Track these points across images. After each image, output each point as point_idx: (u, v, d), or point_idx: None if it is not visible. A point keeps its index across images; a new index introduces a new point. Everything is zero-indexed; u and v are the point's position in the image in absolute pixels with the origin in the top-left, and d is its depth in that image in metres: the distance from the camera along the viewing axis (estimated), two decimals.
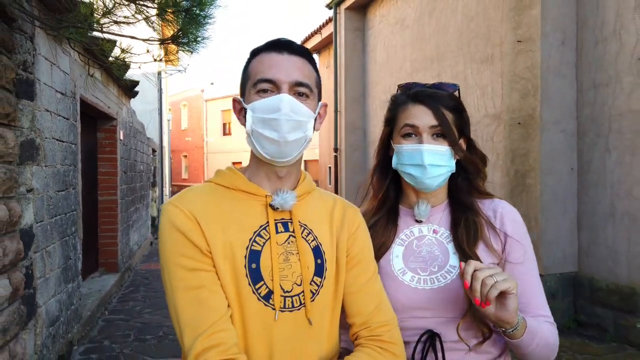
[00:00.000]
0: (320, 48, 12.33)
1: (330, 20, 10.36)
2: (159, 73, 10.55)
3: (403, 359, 1.11)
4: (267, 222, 1.05)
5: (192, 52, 2.92)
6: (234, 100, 1.12)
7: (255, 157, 1.10)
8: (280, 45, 1.06)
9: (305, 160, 19.87)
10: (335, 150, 10.02)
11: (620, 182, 4.40)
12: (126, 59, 3.51)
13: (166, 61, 3.69)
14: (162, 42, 2.92)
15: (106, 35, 3.43)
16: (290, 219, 1.08)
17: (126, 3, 2.43)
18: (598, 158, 4.61)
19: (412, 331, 1.23)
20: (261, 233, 1.04)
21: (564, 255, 4.81)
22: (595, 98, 4.62)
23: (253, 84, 1.04)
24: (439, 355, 1.21)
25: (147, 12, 2.51)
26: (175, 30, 2.68)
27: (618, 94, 4.40)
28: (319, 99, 1.12)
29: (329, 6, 9.89)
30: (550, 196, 4.76)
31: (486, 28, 5.98)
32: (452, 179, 1.35)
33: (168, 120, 16.22)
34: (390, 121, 1.36)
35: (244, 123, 1.08)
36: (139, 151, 8.95)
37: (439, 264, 1.27)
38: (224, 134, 29.43)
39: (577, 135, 4.82)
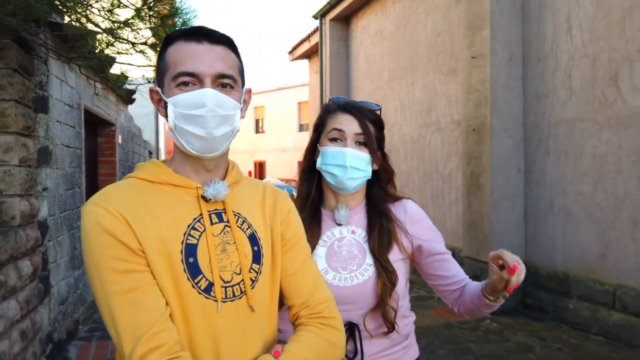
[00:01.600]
0: (310, 54, 12.96)
1: (317, 29, 10.98)
2: (148, 80, 11.12)
3: (342, 332, 1.14)
4: (201, 214, 1.03)
5: None
6: (152, 91, 1.08)
7: (180, 151, 1.06)
8: (199, 34, 1.01)
9: (299, 162, 20.47)
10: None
11: (557, 181, 5.04)
12: (126, 81, 4.11)
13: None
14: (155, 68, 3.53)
15: (108, 57, 4.04)
16: (224, 209, 1.07)
17: (125, 42, 3.05)
18: (540, 160, 5.25)
19: None
20: (195, 226, 1.02)
21: (512, 246, 5.44)
22: (538, 108, 5.26)
23: (173, 76, 0.99)
24: (357, 342, 1.40)
25: (142, 47, 3.11)
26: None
27: (555, 105, 5.04)
28: (243, 85, 1.09)
29: (315, 17, 10.52)
30: (499, 194, 5.39)
31: (451, 43, 6.61)
32: (369, 188, 1.52)
33: (164, 123, 16.80)
34: (319, 127, 1.50)
35: (164, 115, 1.04)
36: (136, 153, 9.55)
37: (358, 263, 1.43)
38: None
39: (523, 140, 5.45)
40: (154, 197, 1.01)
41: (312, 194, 1.50)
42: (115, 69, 5.47)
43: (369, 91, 9.18)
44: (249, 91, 1.11)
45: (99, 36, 3.29)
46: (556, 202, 5.06)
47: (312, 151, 1.51)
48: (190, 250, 0.99)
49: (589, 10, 4.65)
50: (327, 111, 1.49)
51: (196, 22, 3.36)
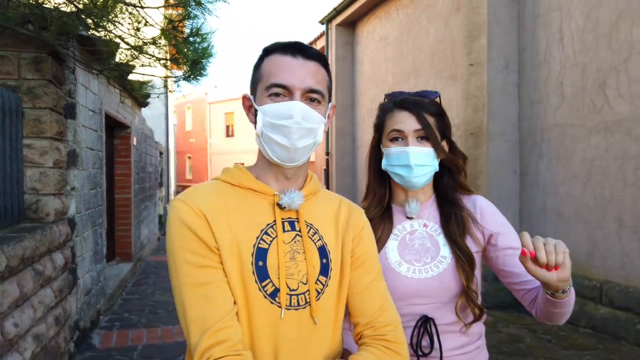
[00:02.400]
0: None
1: (323, 34, 11.30)
2: (165, 86, 11.50)
3: (407, 358, 1.12)
4: (274, 220, 1.06)
5: (196, 84, 3.89)
6: (244, 97, 1.13)
7: (263, 157, 1.10)
8: (294, 49, 1.05)
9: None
10: (327, 154, 10.96)
11: (550, 183, 5.32)
12: (144, 88, 4.46)
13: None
14: (176, 80, 3.89)
15: (130, 67, 4.38)
16: (297, 219, 1.09)
17: (150, 57, 3.39)
18: (534, 163, 5.54)
19: (410, 317, 1.33)
20: (268, 231, 1.04)
21: None
22: (532, 113, 5.55)
23: (266, 86, 1.04)
24: (434, 337, 1.34)
25: (163, 62, 3.45)
26: (185, 70, 3.66)
27: (547, 110, 5.33)
28: (329, 101, 1.13)
29: (321, 22, 10.83)
30: (496, 195, 5.68)
31: (451, 50, 6.91)
32: (438, 178, 1.48)
33: (174, 124, 17.22)
34: (379, 127, 1.48)
35: (253, 121, 1.09)
36: (148, 154, 9.92)
37: (432, 255, 1.40)
38: (227, 135, 30.37)
39: (518, 144, 5.75)
40: (234, 200, 1.06)
41: (387, 194, 1.49)
42: (132, 74, 5.82)
43: (373, 95, 9.49)
44: (334, 107, 1.15)
45: (126, 51, 3.65)
46: (549, 203, 5.35)
47: (376, 152, 1.50)
48: (260, 254, 1.02)
49: (579, 22, 4.94)
50: (384, 110, 1.47)
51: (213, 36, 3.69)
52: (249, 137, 29.39)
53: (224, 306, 0.96)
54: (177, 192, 21.06)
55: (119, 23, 3.06)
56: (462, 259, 1.36)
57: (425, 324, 1.35)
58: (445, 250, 1.40)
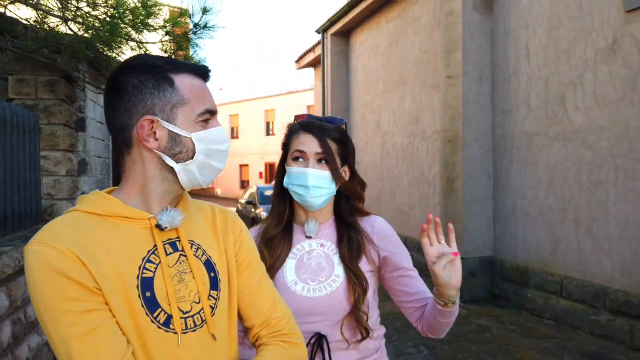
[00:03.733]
0: (315, 63, 13.75)
1: (319, 42, 11.78)
2: None
3: (304, 346, 1.15)
4: (155, 245, 1.00)
5: None
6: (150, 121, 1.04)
7: (131, 180, 1.02)
8: (203, 71, 1.06)
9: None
10: None
11: (519, 186, 5.78)
12: None
13: None
14: None
15: None
16: (178, 238, 1.04)
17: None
18: (506, 168, 6.00)
19: (305, 334, 1.32)
20: (150, 258, 0.99)
21: (482, 243, 6.19)
22: (504, 122, 6.00)
23: (199, 113, 1.03)
24: (326, 354, 1.39)
25: None
26: None
27: (517, 120, 5.78)
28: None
29: (317, 31, 11.31)
30: (471, 197, 6.14)
31: (434, 61, 7.37)
32: (337, 201, 1.55)
33: None
34: (285, 146, 1.53)
35: (156, 147, 1.01)
36: None
37: (326, 274, 1.45)
38: (232, 137, 30.91)
39: (492, 150, 6.20)
40: (104, 231, 0.96)
41: (286, 211, 1.54)
42: None
43: (366, 101, 9.96)
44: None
45: None
46: (518, 205, 5.80)
47: (281, 170, 1.55)
48: (146, 284, 0.96)
49: (543, 39, 5.39)
50: (291, 131, 1.53)
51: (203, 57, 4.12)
52: (253, 138, 29.94)
53: (116, 349, 0.89)
54: None
55: (122, 53, 3.55)
56: (354, 280, 1.42)
57: (318, 341, 1.40)
58: (339, 270, 1.45)
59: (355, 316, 1.41)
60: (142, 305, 0.95)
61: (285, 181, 1.49)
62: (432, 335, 1.46)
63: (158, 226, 1.01)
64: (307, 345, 1.38)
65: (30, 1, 3.53)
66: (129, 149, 1.01)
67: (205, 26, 3.24)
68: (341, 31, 10.72)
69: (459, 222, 6.18)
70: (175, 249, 1.03)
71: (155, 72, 1.00)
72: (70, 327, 0.87)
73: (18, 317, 3.00)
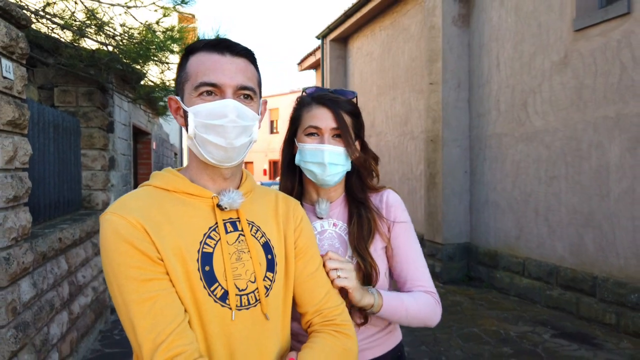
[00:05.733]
0: (316, 66, 14.55)
1: (319, 47, 12.56)
2: None
3: (355, 338, 1.16)
4: (216, 223, 1.04)
5: None
6: (171, 99, 1.09)
7: (196, 159, 1.07)
8: (221, 46, 1.03)
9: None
10: None
11: (491, 181, 6.56)
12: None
13: None
14: None
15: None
16: (238, 218, 1.08)
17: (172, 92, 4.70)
18: (480, 165, 6.78)
19: None
20: (211, 235, 1.03)
21: (460, 231, 6.98)
22: (479, 124, 6.78)
23: (194, 86, 1.01)
24: None
25: None
26: None
27: (489, 122, 6.56)
28: (260, 97, 1.11)
29: (318, 37, 12.10)
30: (450, 191, 6.93)
31: (421, 68, 8.15)
32: (348, 177, 1.47)
33: None
34: (295, 120, 1.44)
35: (182, 124, 1.05)
36: (165, 156, 11.29)
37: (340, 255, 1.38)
38: None
39: (469, 149, 6.98)
40: (171, 206, 1.02)
41: (295, 188, 1.49)
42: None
43: (362, 102, 10.73)
44: (265, 103, 1.14)
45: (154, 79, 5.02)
46: (490, 197, 6.59)
47: (289, 145, 1.48)
48: (206, 259, 1.00)
49: (510, 52, 6.17)
50: (302, 104, 1.45)
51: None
52: (258, 136, 30.63)
53: (174, 318, 0.94)
54: None
55: (148, 67, 4.37)
56: (362, 265, 1.38)
57: None
58: (351, 251, 1.41)
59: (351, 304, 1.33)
60: (201, 279, 0.99)
61: (298, 158, 1.42)
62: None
63: (219, 206, 1.05)
64: None
65: (74, 27, 4.33)
66: None
67: None
68: (340, 37, 11.51)
69: (439, 213, 6.97)
70: (235, 229, 1.07)
71: (183, 55, 1.09)
72: (132, 293, 0.93)
73: (72, 280, 3.83)
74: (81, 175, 4.78)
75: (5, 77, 2.57)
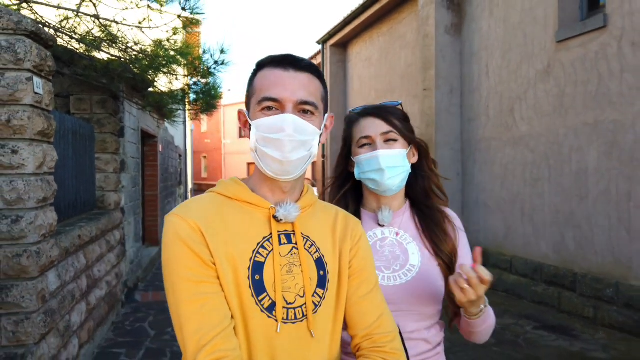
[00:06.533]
0: None
1: (320, 52, 12.92)
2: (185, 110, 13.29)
3: None
4: (271, 233, 1.06)
5: (209, 115, 5.60)
6: (240, 112, 1.13)
7: (259, 171, 1.09)
8: (285, 62, 1.05)
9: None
10: (323, 156, 12.60)
11: (481, 182, 6.90)
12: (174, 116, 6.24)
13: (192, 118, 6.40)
14: (195, 115, 5.62)
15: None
16: (293, 231, 1.08)
17: (178, 103, 5.11)
18: (471, 167, 7.12)
19: None
20: (264, 244, 1.04)
21: None
22: (470, 128, 7.12)
23: (258, 101, 1.05)
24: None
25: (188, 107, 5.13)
26: (202, 106, 5.39)
27: (479, 127, 6.90)
28: (325, 112, 1.12)
29: (318, 42, 12.46)
30: None
31: (417, 74, 8.49)
32: (410, 184, 1.48)
33: (191, 130, 19.02)
34: (347, 139, 1.49)
35: (248, 136, 1.08)
36: (170, 158, 11.67)
37: (401, 264, 1.40)
38: (240, 136, 32.06)
39: (460, 152, 7.32)
40: (230, 213, 1.06)
41: (346, 199, 1.51)
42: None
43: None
44: (332, 117, 1.14)
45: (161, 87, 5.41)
46: (480, 198, 6.92)
47: (343, 163, 1.52)
48: (257, 268, 1.02)
49: (498, 61, 6.50)
50: (350, 122, 1.49)
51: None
52: None
53: (221, 321, 0.96)
54: (194, 190, 22.73)
55: (157, 77, 4.74)
56: (443, 260, 1.40)
57: None
58: (414, 259, 1.41)
59: (449, 298, 1.38)
60: (250, 287, 1.00)
61: (357, 173, 1.45)
62: (472, 341, 1.42)
63: (275, 217, 1.07)
64: None
65: (89, 40, 4.69)
66: None
67: (222, 62, 4.41)
68: (339, 43, 11.86)
69: None
70: (289, 241, 1.07)
71: (253, 70, 1.12)
72: (183, 292, 0.96)
73: (89, 274, 4.19)
74: (95, 178, 5.13)
75: (36, 93, 2.93)
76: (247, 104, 1.11)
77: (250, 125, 1.07)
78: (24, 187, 2.82)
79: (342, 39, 11.63)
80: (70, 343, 3.53)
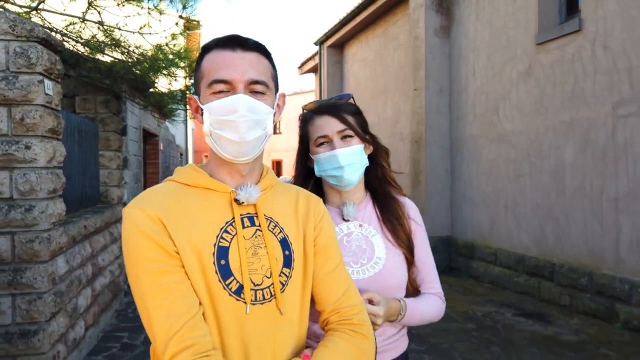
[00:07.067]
0: (315, 70, 15.20)
1: (317, 53, 13.22)
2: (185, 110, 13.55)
3: (372, 339, 1.16)
4: (233, 217, 1.05)
5: None
6: (190, 99, 1.11)
7: (215, 155, 1.09)
8: (232, 42, 1.04)
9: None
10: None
11: (468, 178, 7.19)
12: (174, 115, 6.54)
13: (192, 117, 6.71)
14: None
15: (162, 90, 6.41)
16: (256, 213, 1.09)
17: (178, 102, 5.41)
18: (459, 164, 7.41)
19: None
20: (228, 229, 1.04)
21: (442, 225, 7.61)
22: (458, 126, 7.41)
23: (207, 84, 1.03)
24: None
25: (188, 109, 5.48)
26: None
27: (466, 125, 7.19)
28: (277, 91, 1.11)
29: (316, 43, 12.75)
30: (432, 188, 7.56)
31: (409, 75, 8.78)
32: (368, 175, 1.54)
33: (192, 129, 19.36)
34: (304, 137, 1.52)
35: (202, 121, 1.07)
36: (171, 156, 11.98)
37: (368, 257, 1.46)
38: None
39: (449, 149, 7.61)
40: (190, 200, 1.05)
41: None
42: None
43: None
44: (283, 96, 1.14)
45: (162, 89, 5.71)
46: (467, 194, 7.22)
47: (302, 160, 1.55)
48: (222, 253, 1.02)
49: (484, 62, 6.79)
50: (305, 120, 1.51)
51: None
52: None
53: (188, 309, 0.96)
54: None
55: (157, 77, 5.05)
56: (403, 248, 1.48)
57: None
58: (379, 252, 1.46)
59: (411, 285, 1.51)
60: (216, 272, 1.00)
61: (317, 170, 1.49)
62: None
63: (236, 200, 1.06)
64: None
65: (94, 44, 5.00)
66: None
67: None
68: (336, 44, 12.15)
69: (423, 209, 7.60)
70: (253, 224, 1.07)
71: (199, 54, 1.10)
72: (148, 284, 0.96)
73: (94, 262, 4.50)
74: (99, 174, 5.44)
75: (47, 94, 3.24)
76: (197, 89, 1.10)
77: (202, 110, 1.06)
78: (36, 179, 3.13)
79: (338, 40, 11.91)
80: (77, 324, 3.84)
